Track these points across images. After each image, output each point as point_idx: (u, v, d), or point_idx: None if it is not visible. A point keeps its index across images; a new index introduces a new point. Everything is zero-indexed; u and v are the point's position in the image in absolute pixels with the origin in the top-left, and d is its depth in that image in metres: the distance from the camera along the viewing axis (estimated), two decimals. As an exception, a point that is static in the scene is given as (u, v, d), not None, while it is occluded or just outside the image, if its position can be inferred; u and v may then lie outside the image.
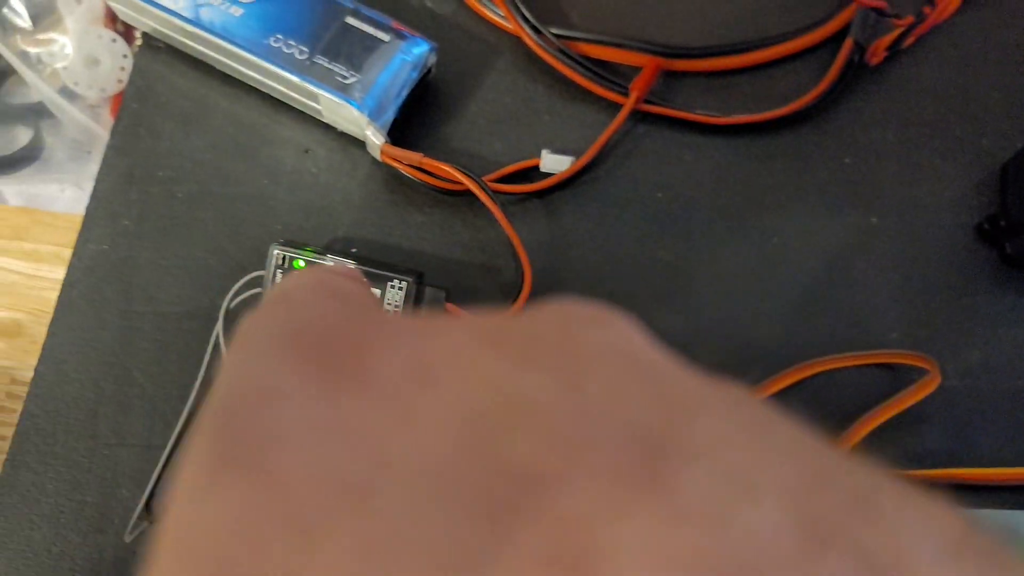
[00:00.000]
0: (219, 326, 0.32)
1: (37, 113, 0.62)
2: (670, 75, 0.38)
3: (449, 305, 0.31)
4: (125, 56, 0.57)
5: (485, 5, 0.38)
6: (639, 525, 0.09)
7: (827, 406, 0.33)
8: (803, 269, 0.35)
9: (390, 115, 0.34)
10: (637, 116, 0.37)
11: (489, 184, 0.33)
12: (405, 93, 0.34)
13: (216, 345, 0.32)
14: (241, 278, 0.32)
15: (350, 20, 0.35)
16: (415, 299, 0.31)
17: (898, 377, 0.33)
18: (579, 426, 0.10)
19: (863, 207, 0.36)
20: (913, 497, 0.10)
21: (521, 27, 0.37)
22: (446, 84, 0.37)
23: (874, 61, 0.36)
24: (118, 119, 0.37)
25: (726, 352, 0.34)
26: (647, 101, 0.36)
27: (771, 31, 0.38)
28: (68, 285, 0.34)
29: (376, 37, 0.35)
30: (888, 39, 0.35)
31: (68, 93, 0.58)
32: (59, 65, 0.58)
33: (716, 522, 0.09)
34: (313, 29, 0.34)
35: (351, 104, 0.33)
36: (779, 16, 0.39)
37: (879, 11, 0.33)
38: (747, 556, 0.09)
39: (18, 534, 0.31)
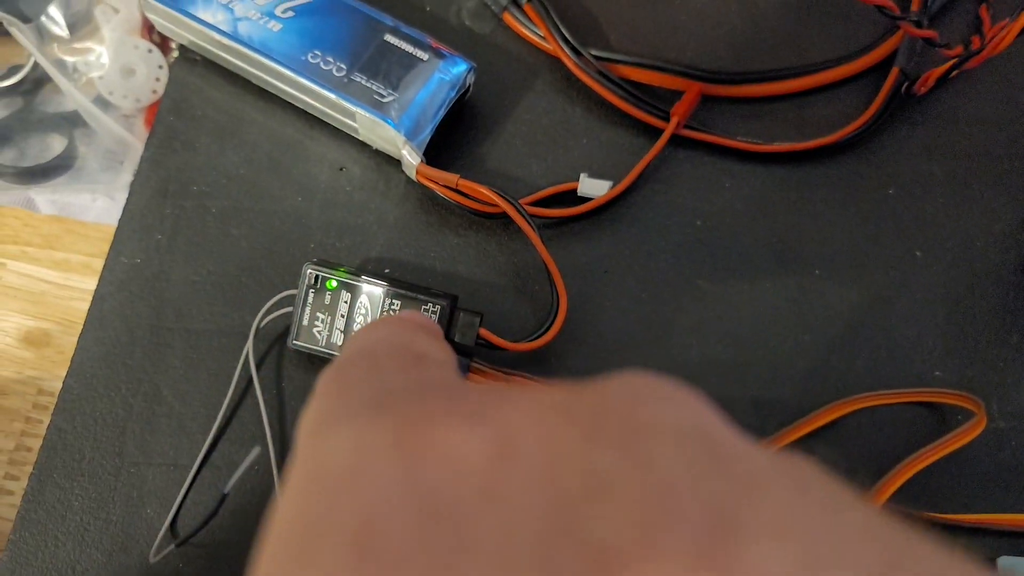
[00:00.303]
0: (249, 344, 0.32)
1: (71, 122, 0.62)
2: (709, 100, 0.37)
3: (483, 331, 0.31)
4: (160, 67, 0.57)
5: (524, 25, 0.37)
6: None
7: (867, 445, 0.32)
8: (844, 302, 0.34)
9: (426, 134, 0.34)
10: (676, 141, 0.36)
11: (526, 208, 0.33)
12: (442, 113, 0.34)
13: (245, 363, 0.32)
14: (273, 296, 0.32)
15: (389, 38, 0.34)
16: (448, 322, 0.30)
17: (942, 417, 0.32)
18: (654, 505, 0.10)
19: (907, 240, 0.35)
20: None
21: (560, 48, 0.36)
22: (484, 104, 0.37)
23: (922, 91, 0.35)
24: (153, 132, 0.37)
25: (764, 385, 0.33)
26: (686, 126, 0.36)
27: (813, 57, 0.37)
28: (99, 299, 0.34)
29: (414, 56, 0.34)
30: (940, 71, 0.34)
31: (102, 103, 0.59)
32: (95, 74, 0.58)
33: None
34: (352, 46, 0.34)
35: (387, 122, 0.33)
36: (821, 42, 0.38)
37: (929, 40, 0.32)
38: None
39: (43, 550, 0.30)
